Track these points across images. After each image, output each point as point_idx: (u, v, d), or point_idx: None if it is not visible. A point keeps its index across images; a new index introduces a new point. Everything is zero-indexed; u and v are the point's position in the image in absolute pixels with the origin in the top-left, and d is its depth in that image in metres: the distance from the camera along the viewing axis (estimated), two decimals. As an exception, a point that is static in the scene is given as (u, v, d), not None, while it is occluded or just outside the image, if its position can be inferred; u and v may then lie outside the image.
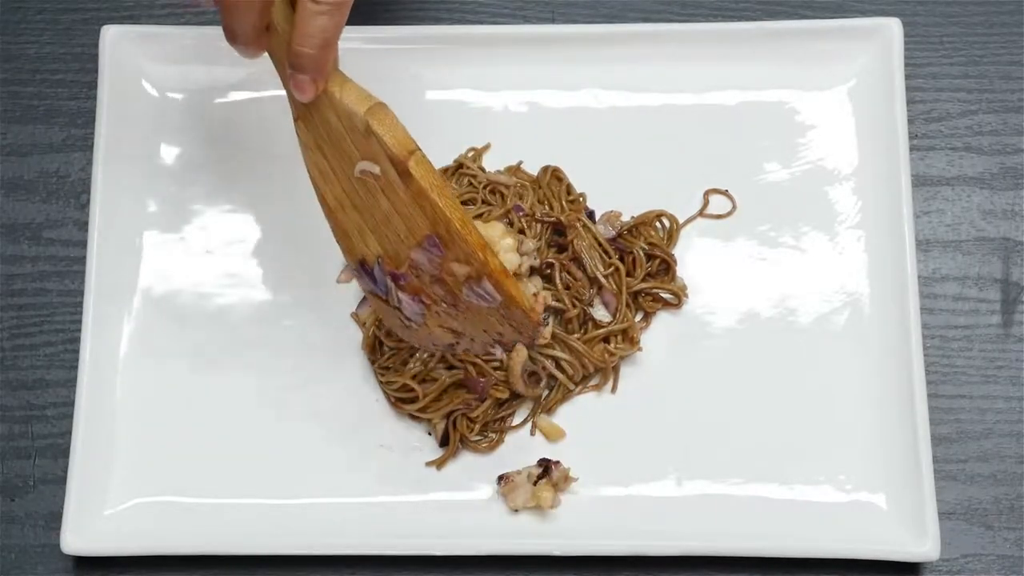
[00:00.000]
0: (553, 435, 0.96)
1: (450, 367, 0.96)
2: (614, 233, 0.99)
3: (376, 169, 0.85)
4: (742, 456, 0.95)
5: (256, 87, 1.02)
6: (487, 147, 1.02)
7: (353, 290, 0.99)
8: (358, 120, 0.84)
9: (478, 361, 0.95)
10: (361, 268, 0.90)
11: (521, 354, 0.95)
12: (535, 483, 0.94)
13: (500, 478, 0.94)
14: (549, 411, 0.97)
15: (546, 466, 0.94)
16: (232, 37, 0.84)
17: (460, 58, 1.02)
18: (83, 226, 1.00)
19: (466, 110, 1.03)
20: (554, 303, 0.97)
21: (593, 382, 0.97)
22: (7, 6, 1.06)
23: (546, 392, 0.97)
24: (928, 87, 1.04)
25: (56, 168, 1.03)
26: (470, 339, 0.91)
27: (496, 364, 0.96)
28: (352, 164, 0.86)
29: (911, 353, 0.95)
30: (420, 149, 0.85)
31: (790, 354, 0.97)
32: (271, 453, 0.96)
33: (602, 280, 0.98)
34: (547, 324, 0.95)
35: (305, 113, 0.86)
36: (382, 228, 0.87)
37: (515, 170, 1.01)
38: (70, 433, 0.95)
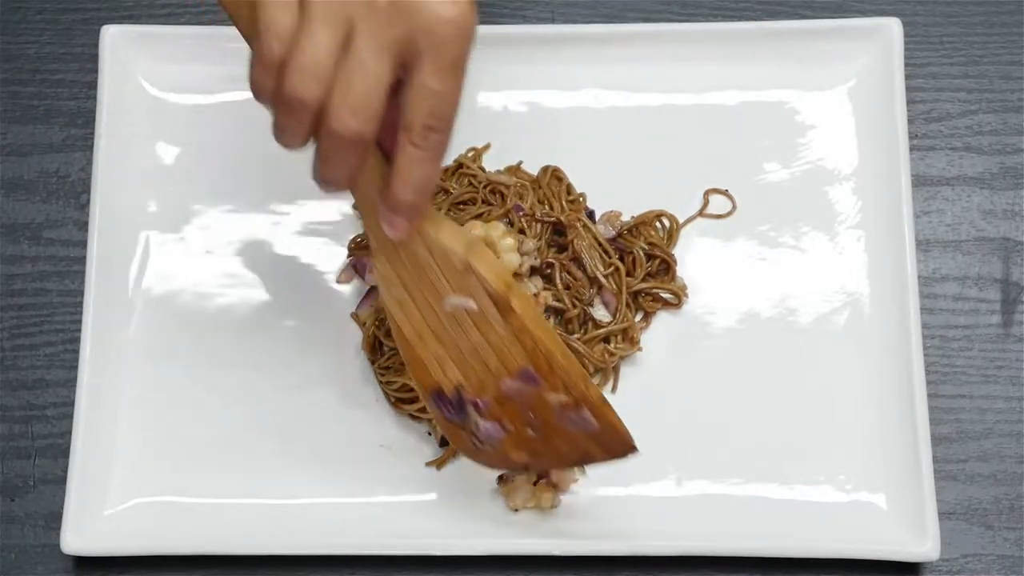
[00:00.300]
0: None
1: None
2: (614, 233, 0.99)
3: (472, 305, 0.84)
4: (742, 456, 0.95)
5: (256, 87, 1.02)
6: (487, 147, 1.02)
7: (353, 290, 0.99)
8: (456, 259, 0.83)
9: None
10: (437, 397, 0.88)
11: None
12: (535, 483, 0.94)
13: (500, 478, 0.94)
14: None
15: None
16: (324, 183, 0.81)
17: (460, 58, 1.02)
18: (83, 226, 1.00)
19: (466, 110, 1.02)
20: (554, 303, 0.97)
21: (594, 382, 0.97)
22: (7, 6, 1.06)
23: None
24: (928, 87, 1.04)
25: (56, 168, 1.03)
26: (550, 459, 0.89)
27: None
28: (439, 297, 0.85)
29: (911, 353, 0.95)
30: (515, 281, 0.85)
31: (790, 354, 0.97)
32: (271, 453, 0.96)
33: (602, 280, 0.98)
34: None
35: (389, 248, 0.84)
36: (469, 359, 0.86)
37: (515, 170, 1.01)
38: (70, 433, 0.95)
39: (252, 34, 0.78)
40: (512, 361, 0.85)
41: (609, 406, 0.86)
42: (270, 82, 0.77)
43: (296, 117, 0.77)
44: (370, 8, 0.75)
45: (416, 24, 0.76)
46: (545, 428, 0.87)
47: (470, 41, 0.78)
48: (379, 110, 0.77)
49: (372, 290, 0.98)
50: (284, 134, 0.79)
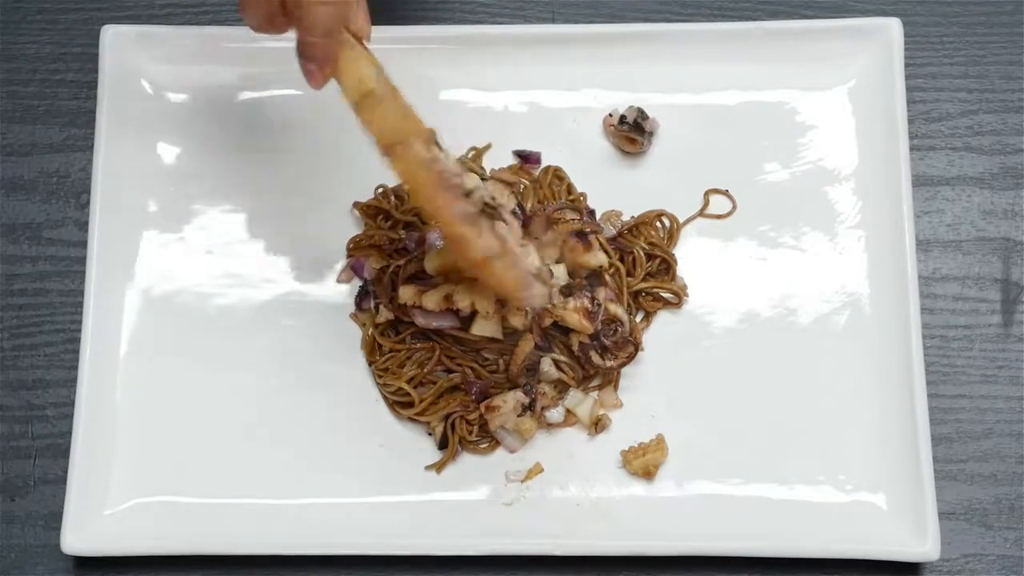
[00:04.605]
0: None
1: (447, 370, 0.96)
2: (615, 233, 0.99)
3: None
4: (742, 456, 0.95)
5: (256, 87, 1.02)
6: (487, 147, 1.02)
7: (353, 290, 0.99)
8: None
9: (475, 365, 0.96)
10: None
11: (528, 343, 0.95)
12: (520, 415, 0.94)
13: (488, 405, 0.95)
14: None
15: (532, 398, 0.95)
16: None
17: (460, 58, 1.02)
18: (83, 226, 1.00)
19: (466, 110, 1.03)
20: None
21: (595, 382, 0.97)
22: (7, 6, 1.06)
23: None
24: (928, 87, 1.04)
25: (56, 168, 1.03)
26: None
27: (493, 367, 0.96)
28: None
29: (911, 353, 0.95)
30: None
31: (790, 354, 0.97)
32: (271, 453, 0.96)
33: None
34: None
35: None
36: None
37: (516, 170, 1.01)
38: (70, 433, 0.95)
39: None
40: None
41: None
42: None
43: None
44: None
45: None
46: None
47: None
48: None
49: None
50: None
